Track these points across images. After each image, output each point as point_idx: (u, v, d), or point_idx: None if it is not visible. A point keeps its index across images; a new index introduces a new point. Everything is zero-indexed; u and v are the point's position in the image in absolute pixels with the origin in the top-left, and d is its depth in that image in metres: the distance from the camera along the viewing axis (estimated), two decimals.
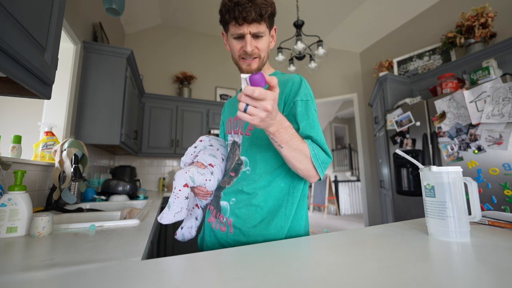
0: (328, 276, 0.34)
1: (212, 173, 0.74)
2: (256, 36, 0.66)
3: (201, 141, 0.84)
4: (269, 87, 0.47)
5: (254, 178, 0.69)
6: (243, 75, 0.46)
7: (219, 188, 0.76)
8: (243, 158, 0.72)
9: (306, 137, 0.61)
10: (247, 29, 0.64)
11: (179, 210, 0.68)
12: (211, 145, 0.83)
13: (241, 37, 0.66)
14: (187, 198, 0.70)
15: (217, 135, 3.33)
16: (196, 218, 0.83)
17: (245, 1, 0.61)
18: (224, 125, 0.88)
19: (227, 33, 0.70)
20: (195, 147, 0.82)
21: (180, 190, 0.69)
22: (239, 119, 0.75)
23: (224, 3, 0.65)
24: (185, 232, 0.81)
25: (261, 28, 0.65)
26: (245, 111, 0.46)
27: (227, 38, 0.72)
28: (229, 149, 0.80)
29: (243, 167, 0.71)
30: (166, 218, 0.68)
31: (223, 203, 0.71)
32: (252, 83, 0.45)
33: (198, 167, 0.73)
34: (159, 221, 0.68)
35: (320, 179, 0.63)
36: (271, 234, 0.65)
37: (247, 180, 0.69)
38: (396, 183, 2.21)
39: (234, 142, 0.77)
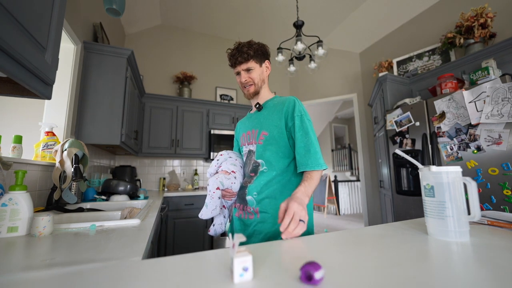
0: (328, 276, 0.34)
1: (235, 177, 0.94)
2: (247, 70, 0.94)
3: (221, 155, 1.01)
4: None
5: (272, 174, 0.88)
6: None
7: (242, 188, 0.95)
8: (259, 161, 0.91)
9: (302, 140, 0.84)
10: (240, 68, 0.95)
11: (214, 208, 0.89)
12: (230, 157, 1.01)
13: (238, 73, 0.96)
14: (219, 198, 0.90)
15: (218, 135, 3.32)
16: (224, 217, 1.02)
17: (235, 52, 0.93)
18: (238, 141, 1.11)
19: None
20: (217, 160, 1.00)
21: (214, 192, 0.88)
22: (251, 133, 0.97)
23: (228, 56, 0.96)
24: (217, 228, 1.00)
25: (250, 64, 0.93)
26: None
27: None
28: (245, 157, 0.99)
29: (261, 167, 0.90)
30: (206, 214, 0.88)
31: (248, 197, 0.90)
32: None
33: (224, 174, 0.93)
34: (199, 217, 0.89)
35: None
36: None
37: (265, 176, 0.89)
38: (396, 183, 2.21)
39: (250, 151, 0.96)
